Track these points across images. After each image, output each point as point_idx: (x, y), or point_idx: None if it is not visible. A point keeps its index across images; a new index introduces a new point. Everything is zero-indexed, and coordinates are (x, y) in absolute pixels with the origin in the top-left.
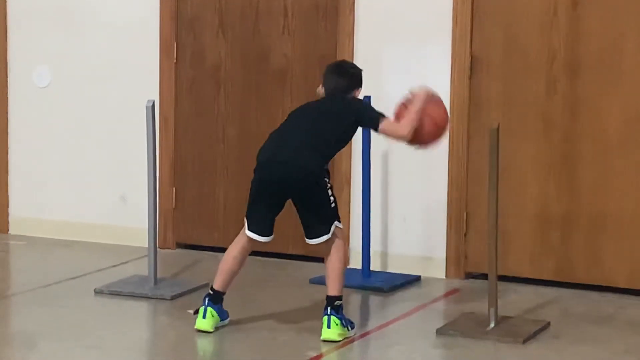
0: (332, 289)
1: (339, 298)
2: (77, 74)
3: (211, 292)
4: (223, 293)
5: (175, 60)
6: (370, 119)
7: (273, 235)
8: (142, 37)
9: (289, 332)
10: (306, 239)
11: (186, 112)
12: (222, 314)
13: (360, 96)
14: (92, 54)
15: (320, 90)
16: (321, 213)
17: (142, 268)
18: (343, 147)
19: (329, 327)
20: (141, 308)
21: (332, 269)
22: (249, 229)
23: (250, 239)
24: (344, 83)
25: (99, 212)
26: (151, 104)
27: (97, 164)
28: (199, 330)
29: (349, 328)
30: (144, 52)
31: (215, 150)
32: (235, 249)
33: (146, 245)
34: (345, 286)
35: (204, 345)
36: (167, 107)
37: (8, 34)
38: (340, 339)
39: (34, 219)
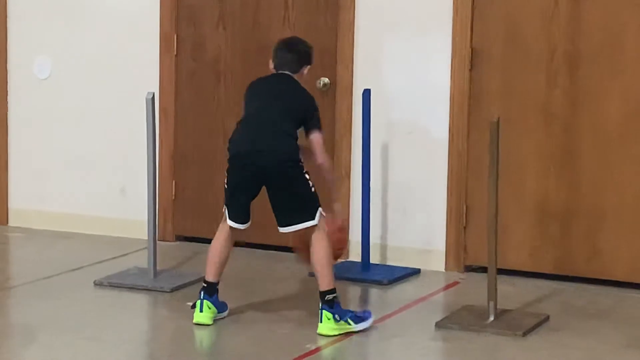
0: (322, 284)
1: (331, 291)
2: (78, 65)
3: (205, 285)
4: (216, 284)
5: (175, 52)
6: (314, 121)
7: (250, 221)
8: (142, 29)
9: (288, 324)
10: (280, 228)
11: (186, 104)
12: (220, 306)
13: (361, 89)
14: (93, 45)
15: (270, 65)
16: (303, 198)
17: (142, 260)
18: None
19: (320, 321)
20: (141, 300)
21: (317, 262)
22: (230, 219)
23: (232, 227)
24: (292, 58)
25: (99, 204)
26: (151, 96)
27: (97, 156)
28: (198, 324)
29: (351, 322)
30: (144, 43)
31: (215, 143)
32: (219, 238)
33: (146, 238)
34: (345, 279)
35: (203, 337)
36: (167, 99)
37: (8, 26)
38: (333, 333)
39: (33, 211)
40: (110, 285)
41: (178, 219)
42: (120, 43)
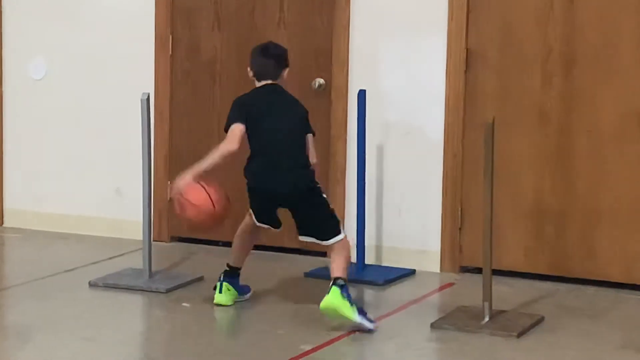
0: (339, 272)
1: (343, 278)
2: (73, 66)
3: (227, 268)
4: (238, 268)
5: (170, 53)
6: (310, 128)
7: (282, 226)
8: (137, 29)
9: (283, 325)
10: (322, 242)
11: (181, 105)
12: (242, 289)
13: (356, 89)
14: (88, 46)
15: (249, 74)
16: (325, 215)
17: (137, 261)
18: None
19: (328, 294)
20: (136, 301)
21: (342, 260)
22: (258, 221)
23: (256, 224)
24: (271, 64)
25: (94, 204)
26: (146, 96)
27: (92, 156)
28: (218, 305)
29: (354, 307)
30: (140, 44)
31: (210, 143)
32: (240, 229)
33: (141, 238)
34: None
35: (198, 339)
36: (162, 100)
37: (3, 26)
38: (337, 302)
39: (29, 212)
40: (106, 286)
41: (173, 219)
42: (115, 44)
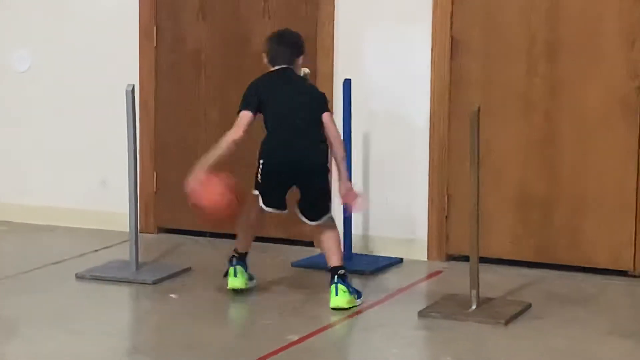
0: (335, 260)
1: (342, 267)
2: (57, 58)
3: (236, 255)
4: (244, 253)
5: (155, 44)
6: (328, 107)
7: (287, 209)
8: (122, 20)
9: (270, 315)
10: (310, 222)
11: (167, 96)
12: (250, 274)
13: (341, 78)
14: (72, 38)
15: (264, 60)
16: (328, 196)
17: (124, 253)
18: None
19: (337, 294)
20: (123, 293)
21: (332, 243)
22: (264, 204)
23: (262, 209)
24: (287, 51)
25: (80, 196)
26: (131, 88)
27: (77, 148)
28: (234, 290)
29: (357, 297)
30: (124, 36)
31: (196, 134)
32: (245, 215)
33: (127, 230)
34: (328, 269)
35: (185, 330)
36: (147, 91)
37: None
38: (348, 306)
39: (14, 205)
40: (93, 278)
41: (159, 211)
42: (100, 35)
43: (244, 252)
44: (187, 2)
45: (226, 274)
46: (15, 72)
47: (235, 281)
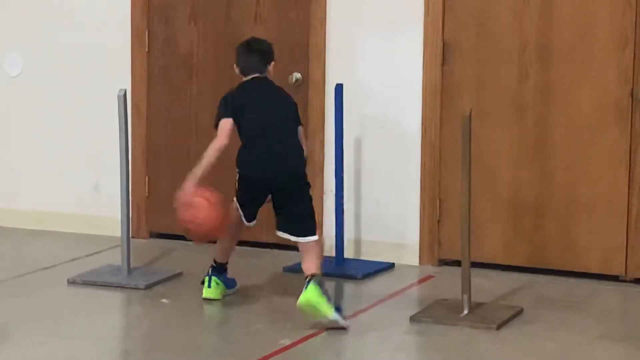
0: (313, 269)
1: (319, 276)
2: (49, 62)
3: (213, 264)
4: (224, 263)
5: (147, 49)
6: (299, 119)
7: (256, 220)
8: (113, 25)
9: (262, 320)
10: (298, 238)
11: (158, 101)
12: (229, 283)
13: (333, 83)
14: (64, 42)
15: (236, 70)
16: (307, 213)
17: (116, 257)
18: None
19: (306, 289)
20: (115, 298)
21: (316, 257)
22: (245, 218)
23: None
24: (257, 59)
25: (72, 201)
26: (123, 92)
27: (69, 153)
28: (206, 299)
29: (331, 304)
30: (116, 40)
31: (188, 138)
32: (232, 226)
33: (119, 235)
34: None
35: (177, 335)
36: (139, 95)
37: None
38: (316, 299)
39: (6, 209)
40: (84, 283)
41: (152, 215)
42: (91, 39)
43: (223, 262)
44: (179, 7)
45: (202, 282)
46: (7, 77)
47: (209, 292)
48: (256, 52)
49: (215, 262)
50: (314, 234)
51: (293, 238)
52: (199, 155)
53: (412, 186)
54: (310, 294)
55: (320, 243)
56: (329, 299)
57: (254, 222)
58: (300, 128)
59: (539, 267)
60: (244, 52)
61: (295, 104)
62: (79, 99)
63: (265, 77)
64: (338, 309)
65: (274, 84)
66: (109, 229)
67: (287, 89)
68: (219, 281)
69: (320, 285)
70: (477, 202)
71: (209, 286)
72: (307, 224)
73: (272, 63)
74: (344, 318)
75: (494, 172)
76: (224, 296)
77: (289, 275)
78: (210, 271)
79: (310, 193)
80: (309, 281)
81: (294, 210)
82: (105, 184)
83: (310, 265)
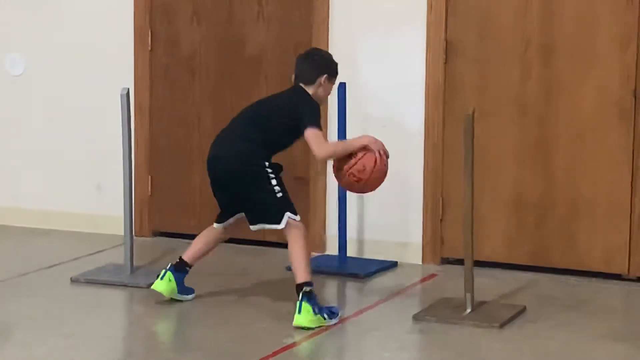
0: (298, 277)
1: (308, 284)
2: (51, 62)
3: (178, 260)
4: (188, 264)
5: (149, 48)
6: (306, 118)
7: (224, 224)
8: (116, 24)
9: (266, 319)
10: (273, 226)
11: (161, 100)
12: (183, 289)
13: (336, 83)
14: (67, 41)
15: (292, 80)
16: (265, 202)
17: (119, 256)
18: (296, 138)
19: (299, 312)
20: (118, 296)
21: (294, 259)
22: (222, 215)
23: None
24: (305, 68)
25: (75, 200)
26: (126, 91)
27: (72, 152)
28: (154, 290)
29: (326, 316)
30: (119, 39)
31: (190, 138)
32: (207, 229)
33: (122, 234)
34: (322, 272)
35: (181, 333)
36: (142, 94)
37: None
38: (311, 325)
39: (9, 208)
40: (87, 282)
41: (154, 214)
42: (94, 39)
43: (187, 262)
44: (182, 7)
45: (158, 275)
46: (9, 76)
47: (159, 285)
48: (308, 61)
49: (180, 258)
50: (285, 217)
51: (270, 226)
52: (201, 154)
53: (415, 185)
54: (304, 318)
55: (298, 227)
56: (320, 309)
57: (220, 224)
58: (308, 130)
59: (542, 266)
60: (298, 60)
61: (295, 103)
62: (82, 98)
63: (299, 87)
64: (332, 313)
65: (294, 90)
66: (112, 228)
67: None
68: (172, 278)
69: (310, 299)
70: (479, 201)
71: (161, 279)
72: (272, 209)
73: (325, 76)
74: (337, 309)
75: (496, 171)
76: (174, 300)
77: (293, 274)
78: (169, 266)
79: (274, 183)
80: (300, 300)
81: (253, 200)
82: (108, 183)
83: (295, 273)
